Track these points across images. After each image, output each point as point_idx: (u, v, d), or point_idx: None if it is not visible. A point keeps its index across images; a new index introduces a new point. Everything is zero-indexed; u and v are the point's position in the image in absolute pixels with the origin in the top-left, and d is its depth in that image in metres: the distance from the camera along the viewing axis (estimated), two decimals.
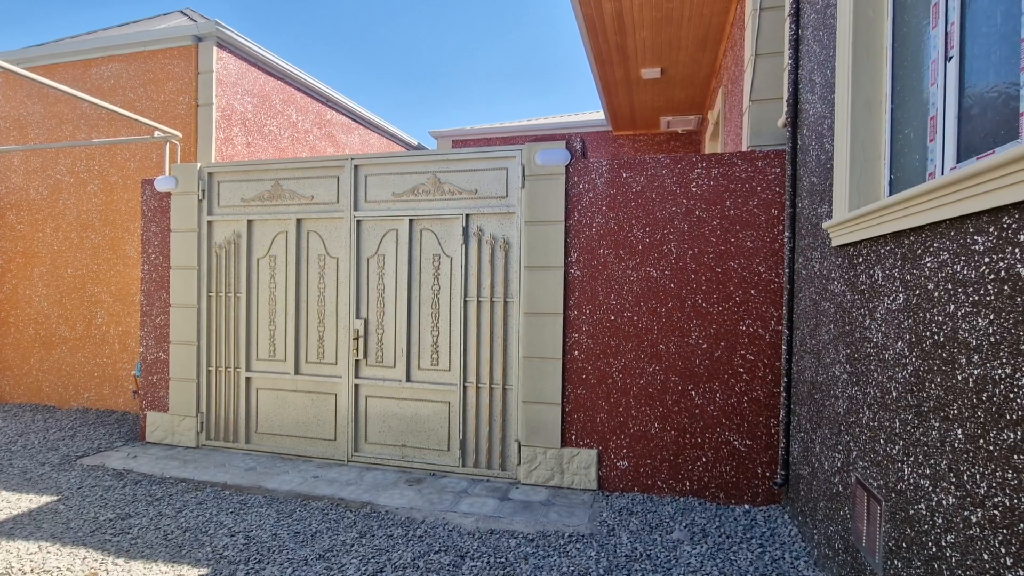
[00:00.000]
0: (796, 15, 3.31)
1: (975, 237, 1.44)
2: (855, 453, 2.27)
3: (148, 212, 4.99)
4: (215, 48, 5.81)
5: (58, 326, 6.31)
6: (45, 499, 3.66)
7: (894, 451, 1.90)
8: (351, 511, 3.53)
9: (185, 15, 7.07)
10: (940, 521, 1.60)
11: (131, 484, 3.94)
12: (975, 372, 1.43)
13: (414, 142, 10.57)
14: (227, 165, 4.75)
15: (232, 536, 3.15)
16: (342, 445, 4.45)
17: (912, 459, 1.77)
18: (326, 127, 7.85)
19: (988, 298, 1.38)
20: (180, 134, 5.65)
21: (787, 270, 3.38)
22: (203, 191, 4.79)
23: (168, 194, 4.91)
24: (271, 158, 6.27)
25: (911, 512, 1.77)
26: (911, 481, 1.78)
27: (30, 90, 6.44)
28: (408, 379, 4.32)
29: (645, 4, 5.04)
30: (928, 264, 1.68)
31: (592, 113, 10.71)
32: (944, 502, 1.58)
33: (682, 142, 9.28)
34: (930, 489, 1.66)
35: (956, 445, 1.52)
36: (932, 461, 1.65)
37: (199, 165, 4.80)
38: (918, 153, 2.05)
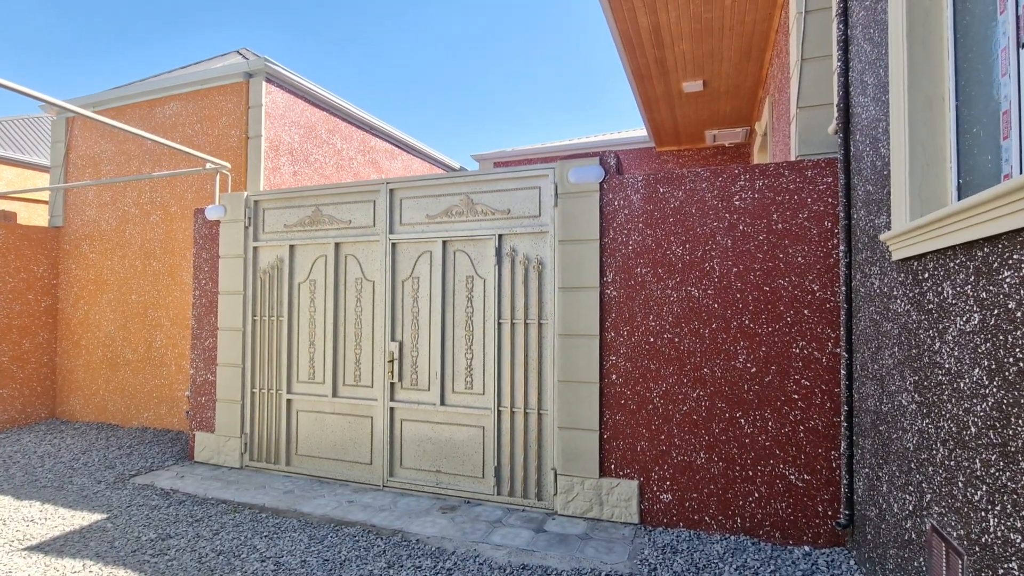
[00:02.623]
0: (844, 14, 3.09)
1: None
2: (929, 496, 1.99)
3: (199, 239, 5.22)
4: (264, 83, 6.10)
5: (123, 348, 6.68)
6: (96, 517, 3.79)
7: (976, 497, 1.63)
8: (382, 539, 3.45)
9: (240, 54, 7.50)
10: None
11: (175, 504, 4.03)
12: None
13: (456, 165, 10.72)
14: (271, 193, 4.92)
15: (263, 561, 3.13)
16: (377, 469, 4.41)
17: (999, 508, 1.51)
18: (370, 154, 8.07)
19: None
20: (230, 165, 5.93)
21: (844, 287, 3.09)
22: (249, 218, 4.97)
23: (217, 222, 5.13)
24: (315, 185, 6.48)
25: (1000, 572, 1.50)
26: (999, 534, 1.51)
27: (103, 130, 6.97)
28: (442, 402, 4.24)
29: (683, 16, 4.90)
30: (1008, 279, 1.45)
31: (634, 130, 10.53)
32: None
33: (730, 156, 8.94)
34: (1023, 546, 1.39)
35: None
36: None
37: (246, 193, 4.99)
38: (990, 153, 1.80)
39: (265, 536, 3.48)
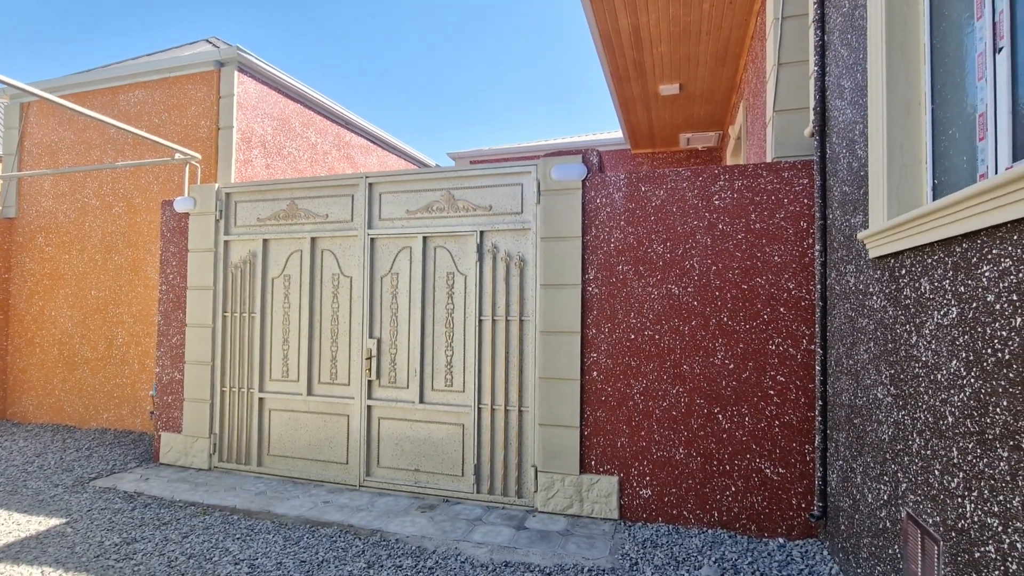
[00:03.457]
0: (821, 21, 3.18)
1: None
2: (904, 485, 2.06)
3: (167, 233, 5.02)
4: (236, 73, 5.91)
5: (81, 347, 6.37)
6: (54, 522, 3.60)
7: (953, 484, 1.70)
8: (360, 539, 3.38)
9: (210, 43, 7.26)
10: (1015, 568, 1.39)
11: (140, 507, 3.86)
12: None
13: (432, 163, 10.63)
14: (244, 185, 4.77)
15: (236, 564, 3.03)
16: (354, 469, 4.32)
17: (976, 494, 1.57)
18: (345, 148, 7.92)
19: None
20: (200, 156, 5.73)
21: (819, 285, 3.18)
22: (220, 211, 4.81)
23: (187, 215, 4.95)
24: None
25: (977, 555, 1.56)
26: (976, 519, 1.57)
27: (61, 117, 6.65)
28: (421, 400, 4.19)
29: (662, 18, 4.98)
30: (987, 273, 1.51)
31: (610, 132, 10.65)
32: (1020, 545, 1.37)
33: (702, 159, 9.13)
34: (1000, 529, 1.45)
35: None
36: (1001, 497, 1.44)
37: (217, 185, 4.83)
38: (965, 154, 1.88)
39: (238, 538, 3.37)
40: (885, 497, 2.25)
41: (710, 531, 3.47)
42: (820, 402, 3.17)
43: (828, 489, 3.14)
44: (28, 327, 6.64)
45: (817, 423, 3.19)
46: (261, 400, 4.64)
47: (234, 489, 4.26)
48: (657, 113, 7.42)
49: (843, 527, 2.84)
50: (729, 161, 7.52)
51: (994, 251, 1.47)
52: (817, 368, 3.20)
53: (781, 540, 3.35)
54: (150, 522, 3.60)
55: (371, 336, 4.34)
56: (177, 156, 5.55)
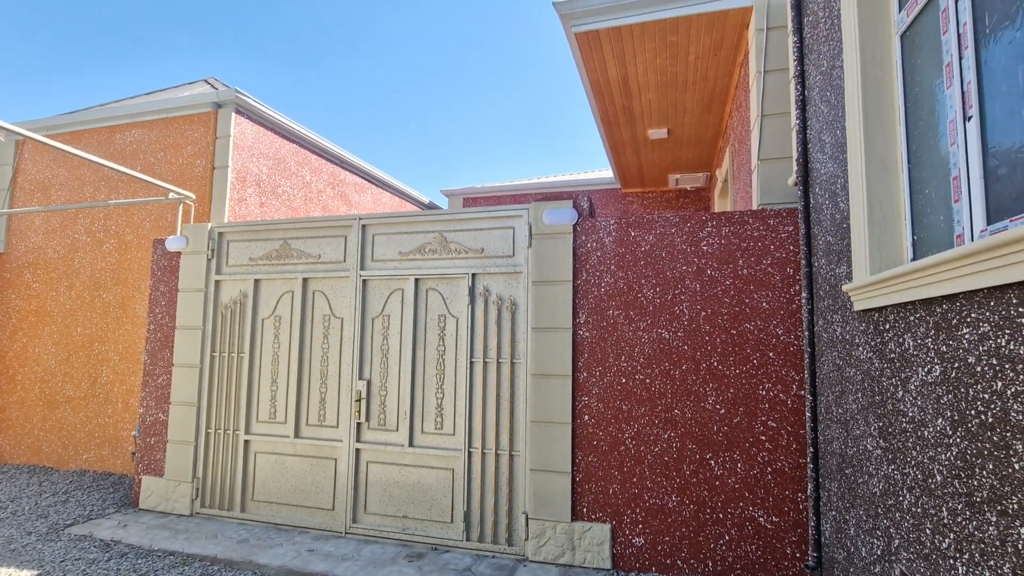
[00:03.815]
0: (801, 77, 3.32)
1: (1020, 309, 1.30)
2: (897, 542, 2.04)
3: (158, 271, 5.01)
4: (234, 114, 6.02)
5: (63, 385, 6.24)
6: (25, 573, 3.46)
7: (944, 545, 1.69)
8: None
9: (208, 83, 7.41)
10: None
11: (116, 557, 3.72)
12: None
13: (426, 200, 10.76)
14: (237, 225, 4.79)
15: None
16: (340, 515, 4.21)
17: (967, 557, 1.56)
18: (339, 187, 8.01)
19: None
20: (193, 195, 5.78)
21: (807, 332, 3.22)
22: (212, 250, 4.82)
23: (178, 253, 4.94)
24: (283, 217, 6.37)
25: None
26: None
27: (56, 154, 6.69)
28: (411, 444, 4.12)
29: (650, 68, 5.16)
30: (967, 336, 1.54)
31: (601, 171, 10.87)
32: None
33: (691, 199, 9.32)
34: None
35: (1020, 547, 1.32)
36: (992, 563, 1.44)
37: (210, 225, 4.85)
38: (942, 214, 1.94)
39: None
40: (879, 552, 2.23)
41: None
42: (811, 449, 3.16)
43: (822, 539, 3.10)
44: (10, 364, 6.51)
45: (809, 471, 3.17)
46: (247, 442, 4.54)
47: (216, 537, 4.12)
48: (646, 155, 7.61)
49: None
50: (717, 201, 7.68)
51: (972, 315, 1.51)
52: (807, 415, 3.20)
53: None
54: (125, 573, 3.47)
55: (361, 378, 4.30)
56: (171, 195, 5.58)
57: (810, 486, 3.16)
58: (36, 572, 3.50)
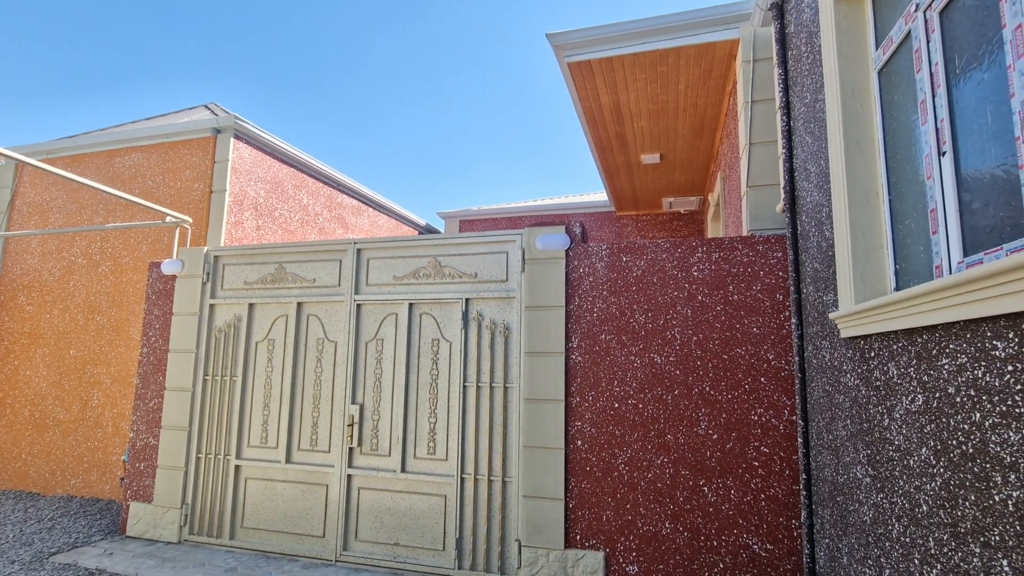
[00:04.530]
0: (787, 108, 3.41)
1: (994, 342, 1.34)
2: (888, 571, 2.03)
3: (152, 295, 5.02)
4: (232, 140, 6.10)
5: (54, 408, 6.19)
6: None
7: (932, 575, 1.69)
8: None
9: (208, 109, 7.52)
10: None
11: None
12: (1014, 494, 1.28)
13: (423, 223, 10.84)
14: (233, 248, 4.82)
15: None
16: (331, 543, 4.15)
17: None
18: (336, 210, 8.08)
19: (1018, 410, 1.26)
20: (190, 219, 5.82)
21: (797, 357, 3.24)
22: (208, 274, 4.84)
23: (173, 277, 4.96)
24: (279, 241, 6.41)
25: None
26: None
27: (54, 178, 6.74)
28: (403, 469, 4.09)
29: (642, 97, 5.28)
30: (946, 366, 1.57)
31: (595, 194, 10.99)
32: None
33: (685, 222, 9.42)
34: None
35: None
36: None
37: (206, 249, 4.87)
38: (921, 244, 1.99)
39: None
40: None
41: None
42: (804, 476, 3.16)
43: (817, 568, 3.07)
44: (0, 387, 6.46)
45: (802, 498, 3.16)
46: (237, 468, 4.50)
47: (203, 565, 4.05)
48: (640, 179, 7.72)
49: None
50: (710, 225, 7.77)
51: (951, 346, 1.54)
52: (800, 440, 3.20)
53: None
54: None
55: (354, 402, 4.28)
56: (168, 219, 5.62)
57: (803, 513, 3.15)
58: None
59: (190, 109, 7.76)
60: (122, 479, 4.85)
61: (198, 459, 4.61)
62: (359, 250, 4.47)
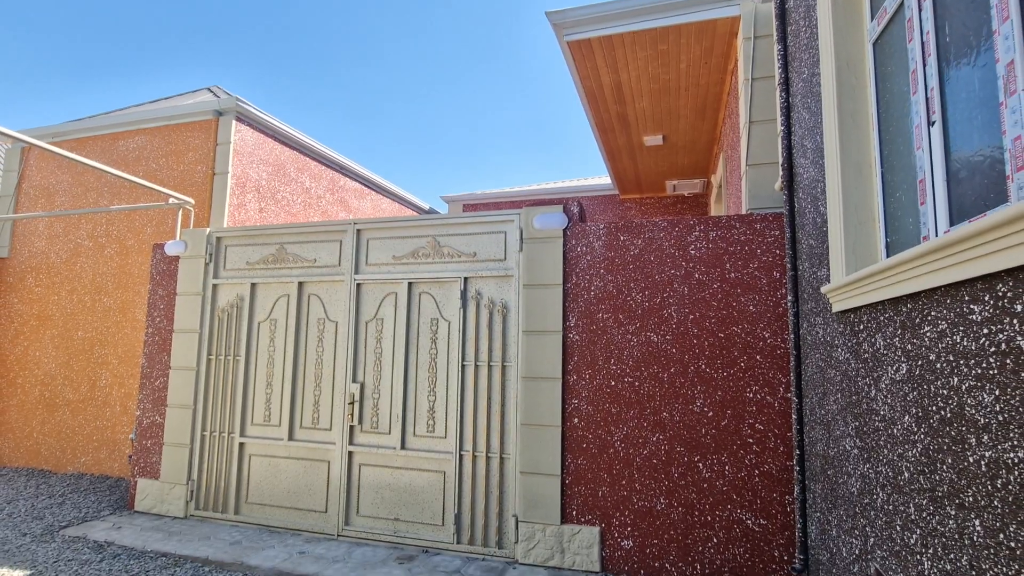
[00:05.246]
0: (786, 84, 3.37)
1: (971, 306, 1.34)
2: (872, 540, 2.06)
3: (157, 276, 5.08)
4: (234, 122, 6.12)
5: (63, 388, 6.31)
6: (17, 574, 3.50)
7: (912, 540, 1.71)
8: None
9: (211, 91, 7.52)
10: None
11: (109, 558, 3.76)
12: (986, 454, 1.29)
13: (426, 206, 10.84)
14: (235, 230, 4.86)
15: None
16: (332, 518, 4.24)
17: (931, 551, 1.59)
18: (339, 193, 8.10)
19: (991, 372, 1.27)
20: (193, 200, 5.86)
21: (792, 335, 3.25)
22: (210, 255, 4.89)
23: (177, 258, 5.02)
24: (282, 223, 6.45)
25: None
26: None
27: (60, 161, 6.80)
28: (403, 446, 4.16)
29: (643, 76, 5.23)
30: (928, 333, 1.58)
31: (599, 177, 10.94)
32: None
33: (689, 205, 9.37)
34: None
35: (975, 539, 1.35)
36: (952, 556, 1.47)
37: (208, 230, 4.92)
38: (911, 216, 1.98)
39: None
40: (857, 551, 2.25)
41: None
42: (797, 451, 3.18)
43: (809, 541, 3.11)
44: (11, 368, 6.59)
45: (796, 473, 3.19)
46: (242, 445, 4.59)
47: (208, 539, 4.16)
48: (643, 162, 7.67)
49: None
50: (713, 207, 7.72)
51: (932, 313, 1.54)
52: (794, 417, 3.23)
53: None
54: (117, 574, 3.50)
55: (355, 381, 4.34)
56: (171, 201, 5.67)
57: (796, 488, 3.18)
58: (29, 572, 3.54)
59: (193, 92, 7.77)
60: (130, 457, 4.96)
61: (203, 437, 4.70)
62: (359, 230, 4.50)
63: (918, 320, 1.64)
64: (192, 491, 4.65)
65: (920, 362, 1.62)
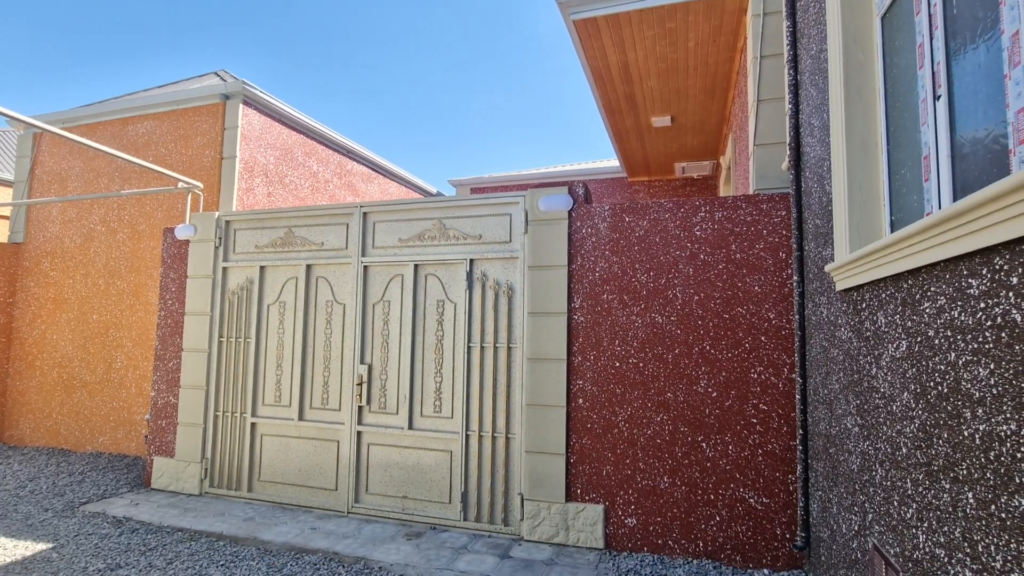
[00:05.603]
0: (794, 61, 3.32)
1: (969, 280, 1.34)
2: (871, 515, 2.08)
3: (168, 259, 5.15)
4: (241, 105, 6.13)
5: (80, 370, 6.46)
6: (41, 546, 3.63)
7: (908, 515, 1.73)
8: (344, 567, 3.38)
9: (218, 76, 7.53)
10: None
11: (128, 533, 3.89)
12: (980, 428, 1.30)
13: (433, 190, 10.83)
14: (243, 213, 4.91)
15: None
16: (343, 495, 4.34)
17: (926, 525, 1.60)
18: (346, 177, 8.12)
19: (987, 346, 1.27)
20: (202, 185, 5.91)
21: (797, 315, 3.24)
22: (219, 238, 4.94)
23: (187, 242, 5.08)
24: (289, 207, 6.48)
25: None
26: (927, 550, 1.60)
27: (72, 146, 6.87)
28: (410, 426, 4.23)
29: (650, 55, 5.16)
30: (927, 309, 1.57)
31: (607, 160, 10.85)
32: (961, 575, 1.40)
33: (698, 187, 9.28)
34: (946, 560, 1.48)
35: (968, 511, 1.37)
36: (946, 528, 1.48)
37: (217, 214, 4.97)
38: (915, 194, 1.96)
39: (221, 565, 3.38)
40: (856, 527, 2.27)
41: (695, 561, 3.45)
42: (801, 431, 3.20)
43: (810, 519, 3.14)
44: (29, 350, 6.75)
45: (798, 452, 3.21)
46: (253, 425, 4.69)
47: (223, 515, 4.28)
48: (651, 143, 7.59)
49: (823, 558, 2.84)
50: (722, 189, 7.65)
51: (932, 288, 1.54)
52: (797, 397, 3.23)
53: (766, 571, 3.34)
54: (136, 548, 3.63)
55: (362, 362, 4.41)
56: (180, 185, 5.72)
57: (799, 467, 3.20)
58: (51, 545, 3.67)
59: (200, 77, 7.78)
60: (146, 436, 5.08)
61: (216, 417, 4.80)
62: (365, 213, 4.52)
63: (918, 296, 1.63)
64: (206, 469, 4.77)
65: (919, 338, 1.63)
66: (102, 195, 5.89)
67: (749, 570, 3.36)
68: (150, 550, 3.59)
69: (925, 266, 1.57)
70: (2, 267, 6.77)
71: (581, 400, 3.81)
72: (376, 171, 8.97)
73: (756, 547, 3.39)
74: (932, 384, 1.55)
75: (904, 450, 1.75)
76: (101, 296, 6.47)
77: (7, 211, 10.03)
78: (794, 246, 3.31)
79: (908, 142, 2.05)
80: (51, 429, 6.53)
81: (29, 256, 6.92)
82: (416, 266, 4.33)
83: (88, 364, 6.43)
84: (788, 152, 3.35)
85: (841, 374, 2.46)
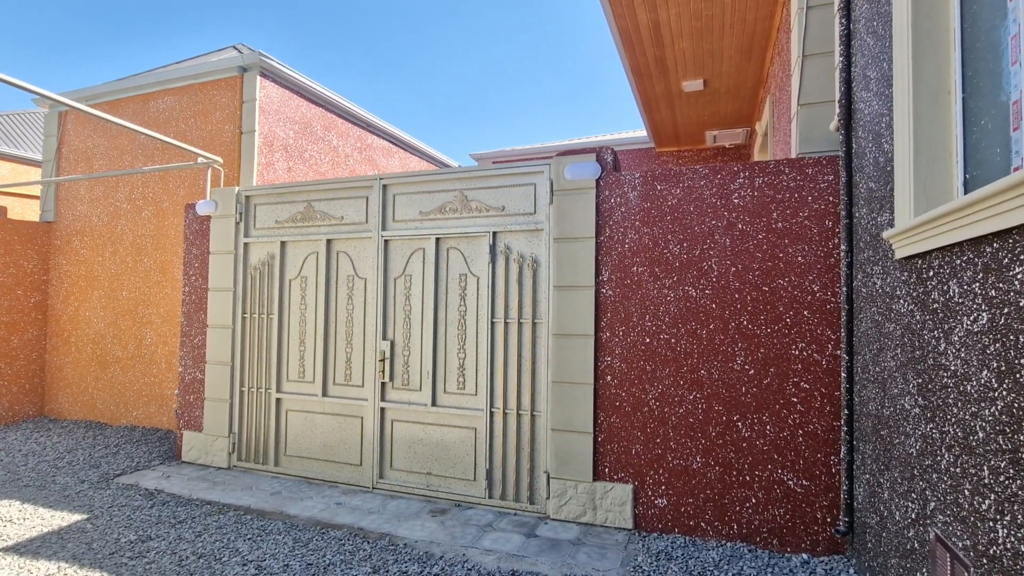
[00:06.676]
0: (847, 9, 3.01)
1: None
2: (933, 504, 1.90)
3: (190, 235, 5.14)
4: (259, 78, 6.02)
5: (112, 346, 6.58)
6: (76, 517, 3.70)
7: (983, 506, 1.55)
8: (368, 542, 3.36)
9: (236, 49, 7.42)
10: None
11: (159, 505, 3.94)
12: None
13: (455, 164, 10.65)
14: (263, 188, 4.83)
15: (244, 565, 3.04)
16: (367, 471, 4.32)
17: (1009, 518, 1.43)
18: (367, 151, 7.99)
19: None
20: (221, 160, 5.85)
21: (844, 288, 3.01)
22: (240, 214, 4.89)
23: (208, 217, 5.04)
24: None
25: None
26: (1009, 546, 1.42)
27: (96, 124, 6.89)
28: (434, 403, 4.15)
29: (683, 13, 4.83)
30: (1019, 276, 1.37)
31: (634, 131, 10.46)
32: None
33: (730, 157, 8.88)
34: None
35: None
36: None
37: (237, 189, 4.91)
38: (999, 146, 1.72)
39: (248, 539, 3.39)
40: (913, 516, 2.09)
41: (729, 544, 3.32)
42: (846, 411, 3.00)
43: (855, 504, 2.96)
44: (64, 327, 6.90)
45: (843, 433, 3.02)
46: (278, 400, 4.69)
47: (250, 489, 4.31)
48: (681, 110, 7.24)
49: (870, 545, 2.67)
50: (757, 157, 7.28)
51: None
52: (843, 375, 3.03)
53: (805, 556, 3.18)
54: (166, 520, 3.67)
55: (384, 338, 4.33)
56: (200, 160, 5.68)
57: (843, 449, 3.01)
58: (86, 516, 3.74)
59: (219, 51, 7.69)
60: (176, 411, 5.15)
61: (242, 392, 4.82)
62: (385, 186, 4.40)
63: (1007, 261, 1.42)
64: (234, 443, 4.81)
65: (1007, 309, 1.42)
66: (126, 172, 5.89)
67: (787, 554, 3.21)
68: (180, 522, 3.63)
69: (1019, 226, 1.36)
70: (36, 246, 6.90)
71: (609, 377, 3.66)
72: (397, 145, 8.82)
73: (794, 531, 3.24)
74: (1022, 362, 1.35)
75: (981, 435, 1.56)
76: (130, 273, 6.54)
77: (38, 190, 10.24)
78: (842, 213, 3.06)
79: (990, 88, 1.80)
80: (87, 403, 6.70)
81: (60, 235, 7.02)
82: (438, 239, 4.20)
83: (120, 340, 6.55)
84: (837, 110, 3.08)
85: (898, 350, 2.25)
